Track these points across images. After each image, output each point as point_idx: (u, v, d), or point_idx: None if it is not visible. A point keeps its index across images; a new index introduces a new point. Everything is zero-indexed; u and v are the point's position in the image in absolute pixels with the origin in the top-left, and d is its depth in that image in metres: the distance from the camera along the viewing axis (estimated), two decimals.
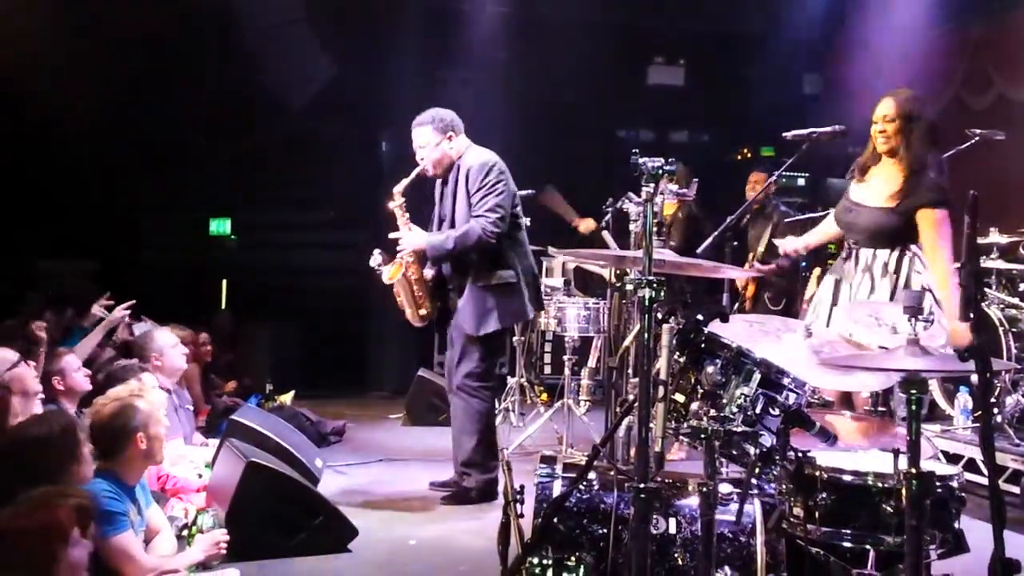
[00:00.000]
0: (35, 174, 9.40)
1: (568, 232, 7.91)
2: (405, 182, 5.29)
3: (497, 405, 6.56)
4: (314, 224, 10.82)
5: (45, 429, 3.47)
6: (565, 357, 6.95)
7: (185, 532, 4.18)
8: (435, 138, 5.24)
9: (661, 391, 2.81)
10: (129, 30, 8.46)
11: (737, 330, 3.24)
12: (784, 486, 2.93)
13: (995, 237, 6.16)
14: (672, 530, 3.10)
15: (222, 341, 8.27)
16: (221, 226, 11.06)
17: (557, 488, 3.21)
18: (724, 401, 3.01)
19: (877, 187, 4.39)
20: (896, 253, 4.30)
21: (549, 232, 7.37)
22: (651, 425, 2.72)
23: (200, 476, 4.85)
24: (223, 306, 10.55)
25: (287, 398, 7.44)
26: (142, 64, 8.66)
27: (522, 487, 3.10)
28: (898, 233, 4.29)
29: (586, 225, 8.09)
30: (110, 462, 3.71)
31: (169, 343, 5.37)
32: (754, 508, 3.10)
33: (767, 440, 3.01)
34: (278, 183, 10.31)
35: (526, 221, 5.47)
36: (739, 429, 2.96)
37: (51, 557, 2.73)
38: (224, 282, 10.79)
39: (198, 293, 10.20)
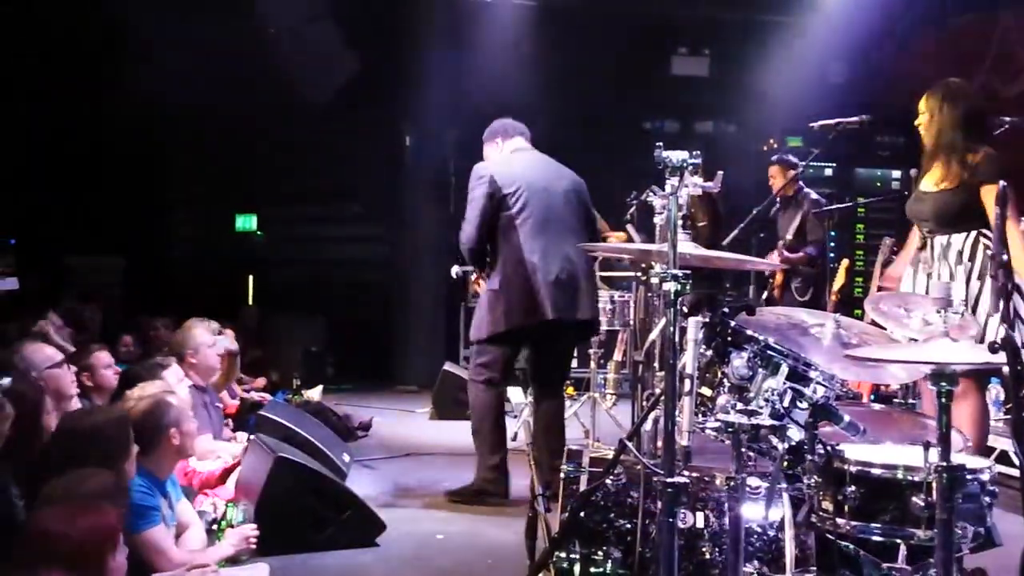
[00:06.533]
0: (63, 171, 9.50)
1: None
2: None
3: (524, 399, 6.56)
4: (340, 218, 10.87)
5: (100, 419, 3.49)
6: (591, 350, 6.93)
7: (215, 526, 4.22)
8: (485, 149, 5.37)
9: (688, 385, 2.79)
10: (148, 28, 8.52)
11: (764, 323, 3.22)
12: (813, 480, 2.91)
13: None
14: (700, 524, 3.08)
15: (249, 337, 8.31)
16: (247, 222, 11.12)
17: (584, 482, 3.20)
18: (751, 395, 2.99)
19: (936, 174, 4.47)
20: (970, 240, 4.34)
21: None
22: (678, 419, 2.71)
23: None
24: (250, 302, 10.62)
25: (314, 393, 7.47)
26: (166, 62, 8.71)
27: (549, 482, 3.10)
28: (965, 212, 4.33)
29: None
30: (142, 458, 3.73)
31: (207, 342, 5.38)
32: (783, 502, 3.08)
33: (795, 434, 2.99)
34: (303, 178, 10.36)
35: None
36: (767, 423, 2.94)
37: (101, 561, 2.72)
38: (251, 277, 10.85)
39: (225, 289, 10.27)
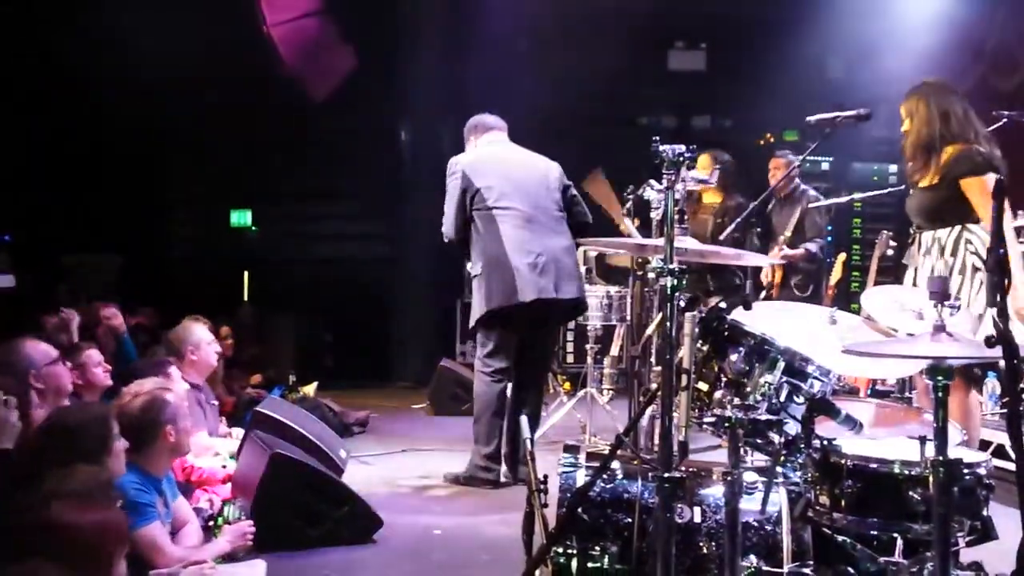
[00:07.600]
0: (61, 169, 9.48)
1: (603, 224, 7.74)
2: None
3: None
4: (335, 215, 10.85)
5: (79, 417, 3.47)
6: (587, 346, 6.94)
7: (212, 523, 4.22)
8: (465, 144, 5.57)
9: (684, 380, 2.79)
10: (145, 28, 8.50)
11: (761, 317, 3.22)
12: (809, 474, 2.91)
13: (1022, 221, 6.08)
14: (697, 519, 3.08)
15: (245, 334, 8.30)
16: (242, 218, 11.10)
17: (581, 478, 3.19)
18: (748, 389, 3.00)
19: (918, 173, 4.57)
20: (953, 234, 4.40)
21: None
22: (674, 414, 2.71)
23: (224, 467, 4.88)
24: (245, 298, 10.60)
25: (310, 389, 7.47)
26: (162, 59, 8.70)
27: (546, 477, 3.09)
28: (946, 208, 4.40)
29: (625, 227, 7.82)
30: (138, 455, 3.72)
31: (205, 339, 5.37)
32: (779, 496, 3.08)
33: (792, 428, 2.99)
34: (298, 174, 10.35)
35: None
36: (763, 417, 2.95)
37: (109, 560, 2.64)
38: (246, 274, 10.84)
39: (220, 285, 10.26)
